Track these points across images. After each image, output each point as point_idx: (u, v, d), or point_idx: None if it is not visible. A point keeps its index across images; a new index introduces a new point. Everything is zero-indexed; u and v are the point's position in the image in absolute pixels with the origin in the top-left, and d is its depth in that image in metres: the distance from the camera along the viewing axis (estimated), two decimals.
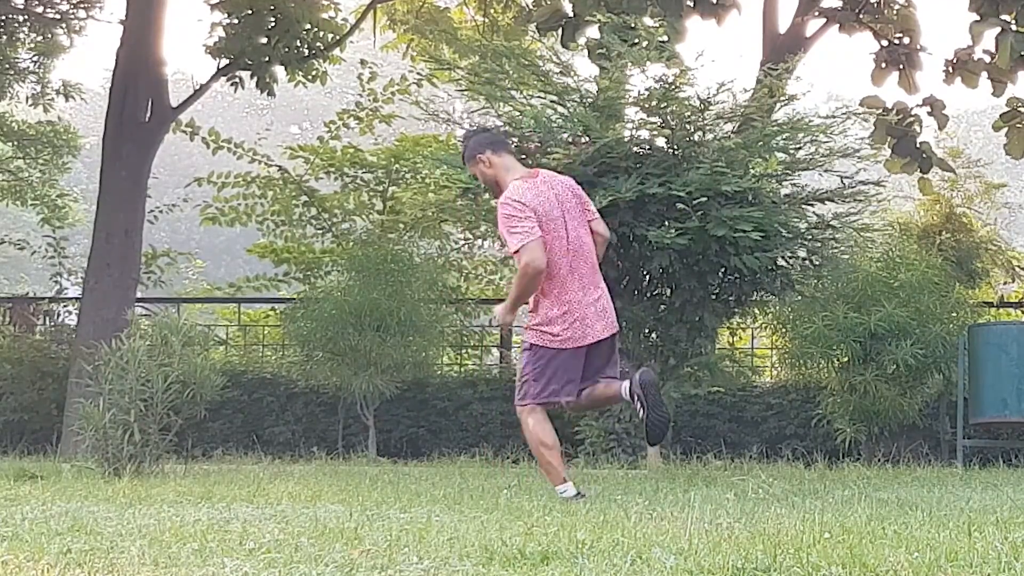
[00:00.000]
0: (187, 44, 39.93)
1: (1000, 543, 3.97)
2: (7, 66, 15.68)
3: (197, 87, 14.18)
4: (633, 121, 9.66)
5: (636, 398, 6.48)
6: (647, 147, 9.48)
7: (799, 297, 10.50)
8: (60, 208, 17.28)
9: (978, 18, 12.91)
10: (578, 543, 4.03)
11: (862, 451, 11.04)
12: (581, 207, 6.78)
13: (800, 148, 9.72)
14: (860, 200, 9.88)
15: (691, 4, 13.09)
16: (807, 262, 9.86)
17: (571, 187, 6.84)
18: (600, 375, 6.69)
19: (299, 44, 14.19)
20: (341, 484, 7.12)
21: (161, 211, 15.84)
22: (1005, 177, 23.15)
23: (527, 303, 6.70)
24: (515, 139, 9.78)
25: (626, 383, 6.56)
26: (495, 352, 14.28)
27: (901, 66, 14.13)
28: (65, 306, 14.73)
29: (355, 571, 3.55)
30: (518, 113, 9.53)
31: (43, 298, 15.28)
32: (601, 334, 6.63)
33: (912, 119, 14.01)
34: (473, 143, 6.92)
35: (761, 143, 9.36)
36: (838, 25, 14.08)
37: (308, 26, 14.19)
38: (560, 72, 9.62)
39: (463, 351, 14.00)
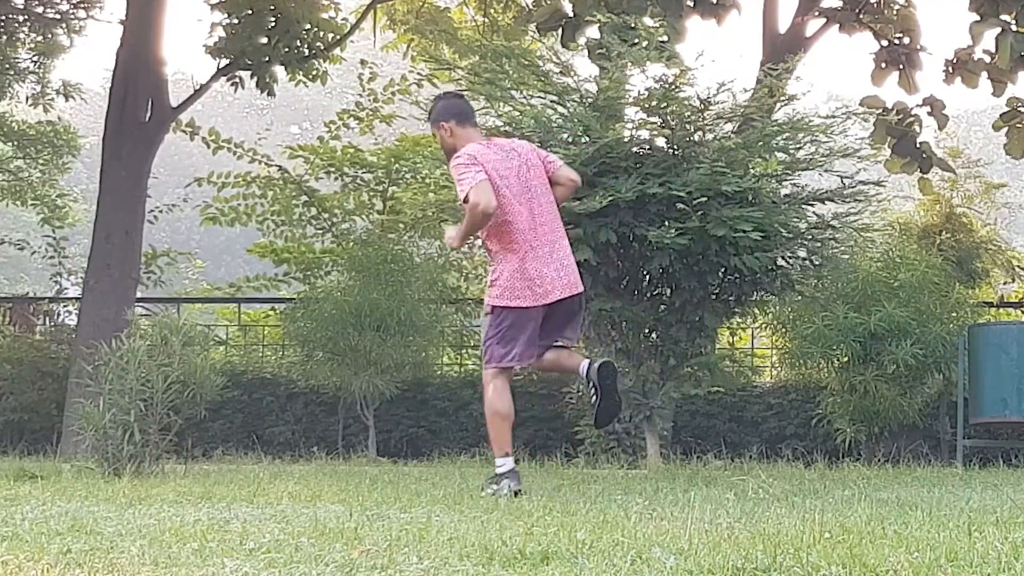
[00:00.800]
0: (187, 44, 39.97)
1: (1000, 543, 3.97)
2: (7, 66, 15.68)
3: (197, 87, 14.18)
4: (633, 121, 9.65)
5: (591, 384, 6.63)
6: (647, 147, 9.47)
7: (799, 297, 10.50)
8: (60, 208, 17.29)
9: (978, 18, 12.91)
10: (578, 543, 4.03)
11: (862, 451, 11.04)
12: (542, 163, 6.90)
13: (800, 148, 9.71)
14: (860, 200, 9.87)
15: (691, 4, 13.08)
16: (807, 262, 9.85)
17: (528, 145, 7.05)
18: (560, 334, 6.78)
19: (299, 44, 14.19)
20: (341, 484, 7.12)
21: (161, 211, 15.85)
22: (1005, 177, 23.15)
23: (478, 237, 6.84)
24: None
25: (586, 363, 6.70)
26: None
27: (901, 66, 14.13)
28: (65, 306, 14.73)
29: (355, 571, 3.55)
30: (518, 113, 9.52)
31: (43, 298, 15.28)
32: (562, 293, 6.71)
33: (912, 119, 14.01)
34: (440, 108, 6.99)
35: (761, 143, 9.36)
36: (838, 25, 14.07)
37: (308, 26, 14.19)
38: (560, 72, 9.61)
39: (463, 351, 13.99)
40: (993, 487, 7.21)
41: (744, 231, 8.81)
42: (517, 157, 6.81)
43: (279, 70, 14.36)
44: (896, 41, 14.19)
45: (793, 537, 4.18)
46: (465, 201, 6.57)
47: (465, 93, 10.08)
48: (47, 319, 14.54)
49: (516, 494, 6.37)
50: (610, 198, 8.75)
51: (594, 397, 6.67)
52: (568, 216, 8.06)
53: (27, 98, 16.57)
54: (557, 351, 6.82)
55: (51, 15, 15.34)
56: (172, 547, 4.00)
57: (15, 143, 17.09)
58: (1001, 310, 13.70)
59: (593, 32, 12.64)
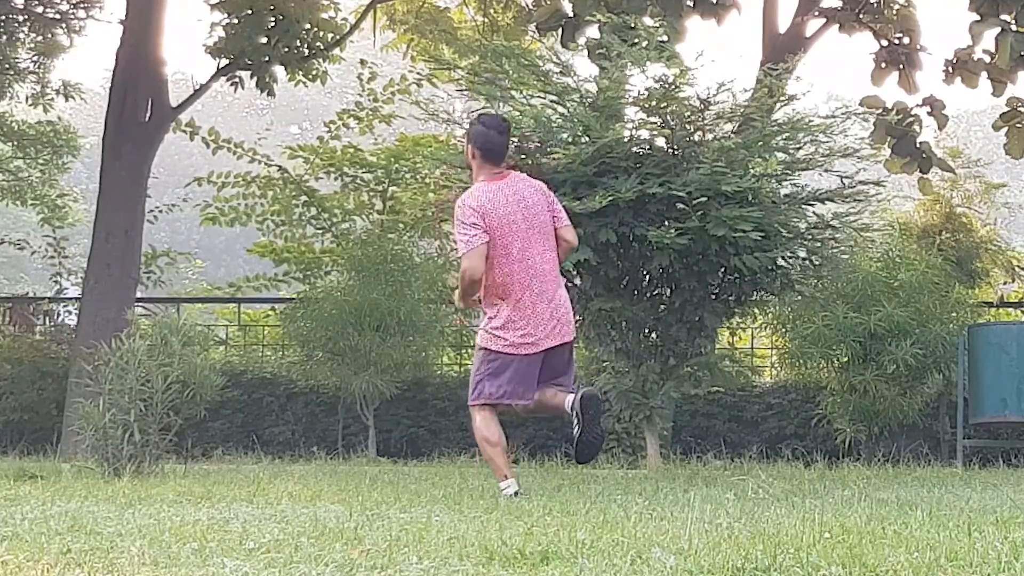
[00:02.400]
0: (187, 44, 39.91)
1: (1000, 543, 3.97)
2: (7, 66, 15.67)
3: (197, 87, 14.19)
4: (633, 121, 9.65)
5: (575, 415, 6.57)
6: (647, 147, 9.47)
7: (799, 297, 10.50)
8: (60, 208, 17.28)
9: (978, 18, 12.90)
10: (578, 543, 4.03)
11: (862, 451, 11.04)
12: (550, 213, 6.85)
13: (800, 148, 9.70)
14: (860, 200, 9.87)
15: (691, 4, 13.08)
16: (807, 262, 9.85)
17: (541, 191, 6.91)
18: (555, 380, 6.79)
19: (299, 44, 14.19)
20: (341, 484, 7.12)
21: (161, 211, 15.86)
22: (1005, 177, 23.16)
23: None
24: (515, 139, 9.77)
25: (570, 397, 6.66)
26: None
27: (901, 66, 14.13)
28: (65, 306, 14.74)
29: (355, 571, 3.55)
30: (518, 113, 9.51)
31: (43, 298, 15.29)
32: (553, 342, 6.72)
33: (912, 119, 14.00)
34: (476, 133, 6.97)
35: (761, 143, 9.36)
36: (838, 25, 14.07)
37: (308, 26, 14.19)
38: (560, 72, 9.61)
39: (463, 351, 14.00)
40: (993, 487, 7.21)
41: (744, 231, 8.81)
42: (525, 200, 6.75)
43: (279, 70, 14.36)
44: (896, 41, 14.18)
45: (793, 537, 4.18)
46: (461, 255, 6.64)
47: (465, 93, 10.13)
48: (47, 319, 14.55)
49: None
50: (610, 198, 8.75)
51: (576, 429, 6.58)
52: (568, 215, 8.04)
53: (27, 98, 16.56)
54: (543, 391, 6.78)
55: (51, 15, 15.34)
56: (172, 547, 4.00)
57: (15, 143, 17.08)
58: (1001, 310, 13.70)
59: (593, 32, 12.64)
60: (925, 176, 13.90)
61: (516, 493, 6.48)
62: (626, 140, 9.41)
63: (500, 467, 6.67)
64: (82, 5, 15.34)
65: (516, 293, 6.68)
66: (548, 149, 9.28)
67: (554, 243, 6.86)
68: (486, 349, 6.75)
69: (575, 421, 6.58)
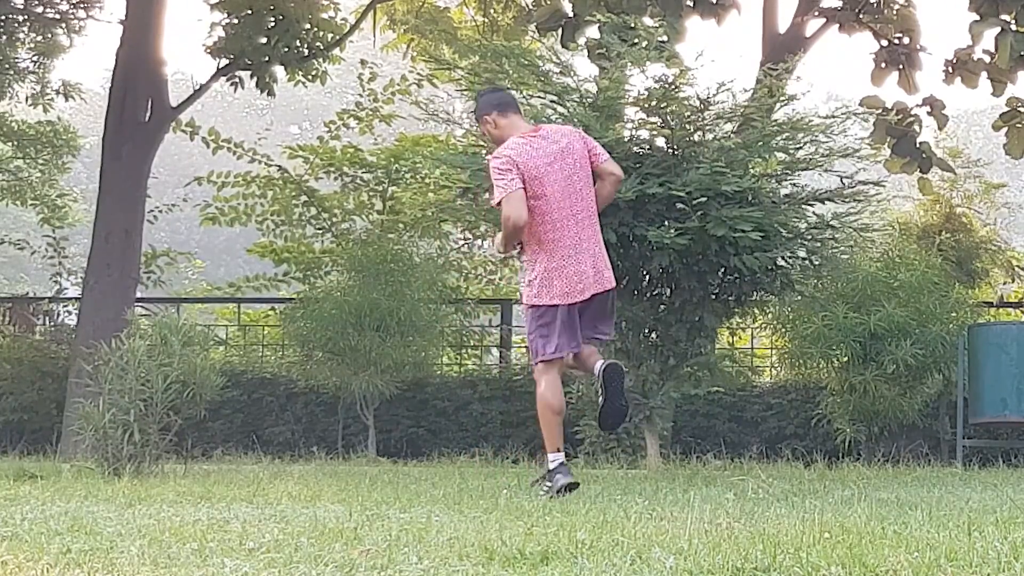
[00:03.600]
0: (187, 44, 39.97)
1: (1000, 543, 3.97)
2: (7, 66, 15.67)
3: (197, 87, 14.19)
4: (633, 121, 9.65)
5: (600, 384, 6.63)
6: (647, 147, 9.47)
7: (799, 297, 10.50)
8: (60, 208, 17.28)
9: (978, 18, 12.90)
10: (578, 543, 4.03)
11: (862, 451, 11.04)
12: (587, 153, 6.85)
13: (800, 148, 9.70)
14: (860, 200, 9.87)
15: (691, 4, 13.07)
16: (807, 262, 9.85)
17: (576, 135, 6.95)
18: (594, 330, 6.82)
19: (299, 44, 14.19)
20: (341, 484, 7.12)
21: (161, 211, 15.85)
22: (1005, 177, 23.15)
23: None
24: None
25: (600, 363, 6.70)
26: (495, 352, 14.27)
27: (901, 66, 14.12)
28: (65, 306, 14.74)
29: (355, 571, 3.55)
30: None
31: (43, 298, 15.30)
32: (596, 289, 6.73)
33: (912, 119, 14.00)
34: (482, 103, 7.06)
35: (761, 143, 9.35)
36: (838, 25, 14.06)
37: (308, 26, 14.19)
38: (560, 72, 9.61)
39: (463, 351, 14.00)
40: (993, 487, 7.21)
41: (744, 231, 8.80)
42: (560, 148, 6.77)
43: (279, 70, 14.36)
44: (896, 41, 14.18)
45: (793, 537, 4.17)
46: (498, 205, 6.67)
47: (465, 93, 10.12)
48: (47, 319, 14.55)
49: (569, 488, 6.39)
50: None
51: (600, 398, 6.68)
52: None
53: (27, 98, 16.56)
54: (589, 347, 6.83)
55: (51, 15, 15.34)
56: (172, 547, 4.00)
57: (15, 143, 17.07)
58: (1001, 310, 13.69)
59: (593, 32, 12.63)
60: (925, 176, 13.90)
61: (562, 465, 6.48)
62: (626, 140, 9.41)
63: (554, 438, 6.60)
64: (82, 5, 15.34)
65: (554, 243, 6.67)
66: None
67: (592, 190, 6.84)
68: (534, 306, 6.75)
69: (600, 391, 6.64)
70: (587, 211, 6.79)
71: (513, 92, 9.56)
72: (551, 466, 6.51)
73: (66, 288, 15.67)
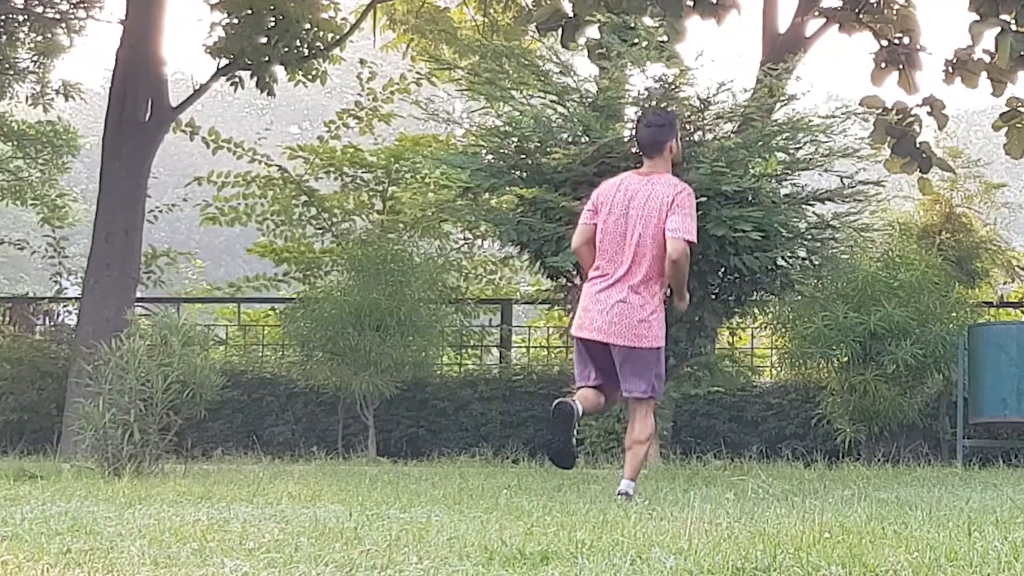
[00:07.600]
0: (187, 44, 39.88)
1: (1000, 543, 3.97)
2: (7, 66, 15.67)
3: (197, 87, 14.18)
4: (633, 121, 9.65)
5: (550, 415, 6.53)
6: None
7: (799, 297, 10.50)
8: (60, 208, 17.25)
9: (978, 18, 12.90)
10: (578, 543, 4.03)
11: (862, 451, 11.04)
12: (659, 212, 6.66)
13: (800, 148, 9.71)
14: (860, 200, 9.88)
15: (691, 4, 13.07)
16: (807, 262, 9.85)
17: (664, 194, 6.69)
18: (621, 381, 6.67)
19: (299, 44, 14.19)
20: (341, 484, 7.12)
21: (161, 211, 15.84)
22: (1005, 177, 23.15)
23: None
24: (515, 139, 9.78)
25: (561, 399, 6.58)
26: (495, 352, 14.27)
27: (901, 66, 14.13)
28: (65, 306, 14.73)
29: (355, 571, 3.55)
30: (518, 113, 9.52)
31: (43, 298, 15.29)
32: (595, 335, 6.64)
33: (912, 119, 14.00)
34: (676, 127, 7.09)
35: (761, 143, 9.36)
36: (838, 25, 14.07)
37: (308, 26, 14.19)
38: (560, 72, 9.62)
39: (463, 351, 13.99)
40: (993, 487, 7.22)
41: (744, 231, 8.80)
42: (635, 199, 6.69)
43: (279, 70, 14.36)
44: (896, 41, 14.18)
45: (793, 537, 4.18)
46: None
47: (465, 93, 10.13)
48: (47, 319, 14.55)
49: (559, 408, 6.47)
50: None
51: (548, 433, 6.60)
52: (568, 215, 8.04)
53: (27, 98, 16.54)
54: (616, 393, 6.79)
55: (51, 15, 15.33)
56: (172, 547, 4.00)
57: (15, 143, 17.06)
58: (1001, 310, 13.69)
59: (593, 32, 12.63)
60: (925, 176, 13.90)
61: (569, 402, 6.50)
62: (626, 140, 9.41)
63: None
64: (82, 5, 15.33)
65: (594, 279, 6.74)
66: (548, 149, 9.27)
67: (655, 248, 6.68)
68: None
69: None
70: (637, 264, 6.66)
71: (515, 92, 9.61)
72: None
73: (66, 288, 15.66)
